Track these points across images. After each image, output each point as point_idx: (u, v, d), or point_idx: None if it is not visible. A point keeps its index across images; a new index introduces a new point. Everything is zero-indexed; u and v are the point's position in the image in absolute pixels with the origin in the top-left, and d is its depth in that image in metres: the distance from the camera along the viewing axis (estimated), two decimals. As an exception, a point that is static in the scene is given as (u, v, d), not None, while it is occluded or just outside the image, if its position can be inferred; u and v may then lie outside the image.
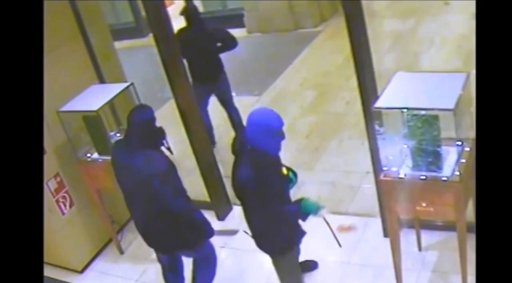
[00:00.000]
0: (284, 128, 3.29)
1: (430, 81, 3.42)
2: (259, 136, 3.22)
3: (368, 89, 3.88)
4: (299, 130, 6.18)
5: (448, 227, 3.81)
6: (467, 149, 3.43)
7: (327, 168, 5.45)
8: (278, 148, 3.32)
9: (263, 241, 3.55)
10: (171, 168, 3.72)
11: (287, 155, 4.54)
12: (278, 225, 3.42)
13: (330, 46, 8.07)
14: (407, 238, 4.13)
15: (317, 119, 6.37)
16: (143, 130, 3.67)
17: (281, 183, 3.41)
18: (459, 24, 7.03)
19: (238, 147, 3.33)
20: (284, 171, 3.51)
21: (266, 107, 3.34)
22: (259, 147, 3.24)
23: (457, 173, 3.30)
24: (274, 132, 3.23)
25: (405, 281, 3.82)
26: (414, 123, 3.24)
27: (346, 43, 3.80)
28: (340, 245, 4.31)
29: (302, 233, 3.63)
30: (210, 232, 3.95)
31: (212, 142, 5.95)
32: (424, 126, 3.21)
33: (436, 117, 3.16)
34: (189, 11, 5.90)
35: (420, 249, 4.19)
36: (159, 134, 3.80)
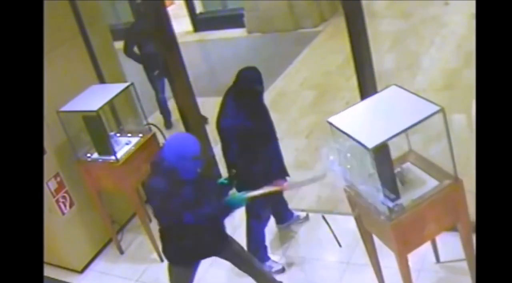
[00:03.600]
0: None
1: (404, 107, 3.21)
2: (175, 160, 3.29)
3: (368, 89, 3.88)
4: (299, 130, 6.18)
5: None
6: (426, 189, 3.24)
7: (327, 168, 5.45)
8: (193, 172, 3.37)
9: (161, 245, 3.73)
10: None
11: (287, 155, 4.56)
12: (173, 237, 3.55)
13: (330, 46, 8.07)
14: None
15: (317, 119, 6.36)
16: None
17: (182, 207, 3.38)
18: (459, 24, 7.04)
19: (155, 162, 3.45)
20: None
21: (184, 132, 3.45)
22: (173, 167, 3.31)
23: (388, 216, 3.12)
24: (191, 157, 3.30)
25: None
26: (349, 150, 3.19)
27: (346, 43, 3.80)
28: (340, 245, 4.32)
29: (201, 256, 3.69)
30: None
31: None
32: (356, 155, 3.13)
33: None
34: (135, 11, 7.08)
35: (438, 260, 4.03)
36: None
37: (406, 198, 3.19)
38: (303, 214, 4.79)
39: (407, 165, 3.44)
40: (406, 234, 3.19)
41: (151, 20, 4.66)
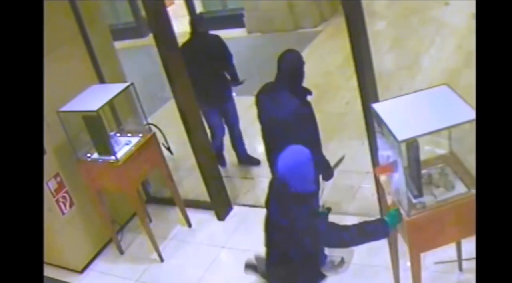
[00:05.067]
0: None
1: (448, 108, 3.13)
2: (301, 179, 2.99)
3: (368, 89, 3.88)
4: (299, 130, 6.17)
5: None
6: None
7: (327, 168, 5.45)
8: (311, 183, 3.10)
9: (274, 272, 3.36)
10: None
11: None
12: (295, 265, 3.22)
13: (330, 46, 8.07)
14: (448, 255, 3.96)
15: (317, 119, 6.36)
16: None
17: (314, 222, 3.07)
18: (459, 24, 7.04)
19: (278, 192, 3.11)
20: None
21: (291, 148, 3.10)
22: (302, 190, 3.00)
23: (407, 212, 3.13)
24: (312, 164, 3.03)
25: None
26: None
27: (346, 43, 3.80)
28: (340, 245, 4.31)
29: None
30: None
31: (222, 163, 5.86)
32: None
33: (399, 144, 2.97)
34: (192, 22, 5.56)
35: (461, 269, 3.95)
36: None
37: (430, 198, 3.19)
38: (337, 259, 4.34)
39: (442, 166, 3.41)
40: (422, 233, 3.19)
41: (151, 20, 4.65)
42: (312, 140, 3.94)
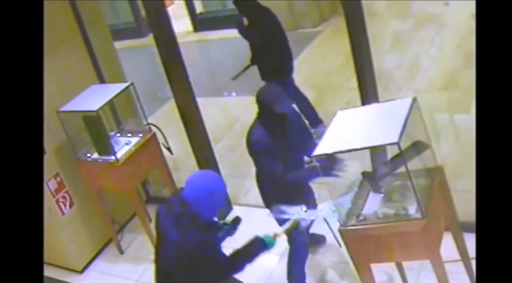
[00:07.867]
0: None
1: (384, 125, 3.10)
2: (201, 200, 3.06)
3: (368, 89, 3.88)
4: (299, 130, 6.16)
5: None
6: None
7: (327, 168, 5.44)
8: (214, 212, 3.24)
9: None
10: None
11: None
12: None
13: (330, 46, 8.06)
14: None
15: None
16: None
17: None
18: (459, 24, 7.03)
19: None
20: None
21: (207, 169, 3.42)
22: (195, 208, 3.06)
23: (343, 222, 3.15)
24: (217, 195, 3.12)
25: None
26: None
27: (346, 43, 3.80)
28: (340, 245, 4.31)
29: None
30: None
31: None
32: None
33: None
34: None
35: None
36: None
37: (372, 212, 3.12)
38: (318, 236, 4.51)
39: (406, 182, 3.13)
40: (359, 245, 3.17)
41: (151, 20, 4.66)
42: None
